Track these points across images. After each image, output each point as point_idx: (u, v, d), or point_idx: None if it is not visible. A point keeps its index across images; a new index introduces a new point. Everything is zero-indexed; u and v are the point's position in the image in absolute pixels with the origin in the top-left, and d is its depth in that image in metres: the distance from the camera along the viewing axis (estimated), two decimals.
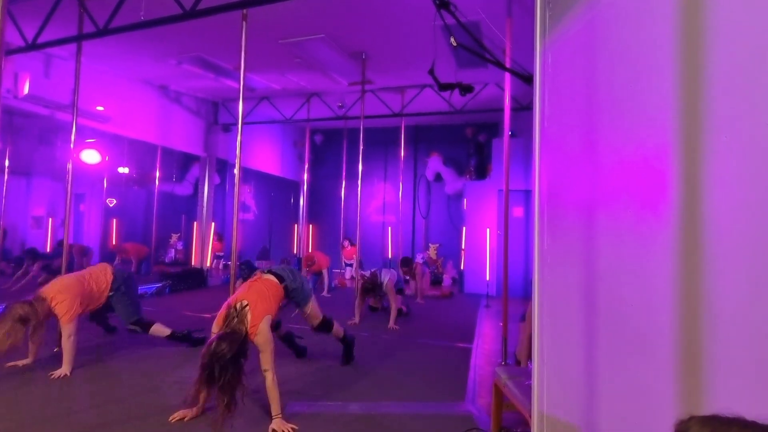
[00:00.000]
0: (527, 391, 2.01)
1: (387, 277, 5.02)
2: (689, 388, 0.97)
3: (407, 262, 6.84)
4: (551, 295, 1.64)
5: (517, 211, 7.54)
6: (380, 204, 10.88)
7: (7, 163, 6.84)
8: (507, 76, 3.81)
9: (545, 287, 1.68)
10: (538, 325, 1.70)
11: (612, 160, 1.33)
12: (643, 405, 1.12)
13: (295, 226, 11.30)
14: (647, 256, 1.13)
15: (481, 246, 7.62)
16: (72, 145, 4.06)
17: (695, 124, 1.01)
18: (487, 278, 7.25)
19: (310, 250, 8.10)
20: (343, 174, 9.62)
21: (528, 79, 2.08)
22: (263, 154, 10.01)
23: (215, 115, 8.61)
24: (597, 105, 1.43)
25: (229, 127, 8.59)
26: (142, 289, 6.87)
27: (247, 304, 2.48)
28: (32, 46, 3.97)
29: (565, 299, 1.55)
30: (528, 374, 2.23)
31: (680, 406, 0.98)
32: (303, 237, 11.04)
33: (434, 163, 9.86)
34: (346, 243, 9.24)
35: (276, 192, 11.22)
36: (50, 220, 9.04)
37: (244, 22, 3.22)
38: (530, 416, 1.84)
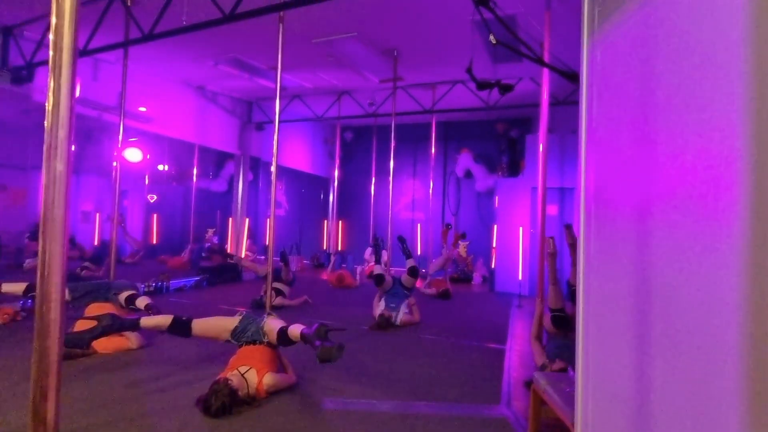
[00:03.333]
0: (568, 398, 1.95)
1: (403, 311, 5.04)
2: (759, 416, 0.91)
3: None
4: (598, 305, 1.58)
5: (552, 209, 7.32)
6: (409, 201, 10.86)
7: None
8: (545, 71, 3.70)
9: (591, 295, 1.62)
10: (583, 334, 1.65)
11: (670, 163, 1.26)
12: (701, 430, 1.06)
13: (325, 221, 11.45)
14: (712, 266, 1.06)
15: (513, 244, 7.46)
16: (120, 145, 4.27)
17: (767, 127, 0.94)
18: (520, 277, 7.09)
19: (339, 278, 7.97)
20: (373, 170, 9.63)
21: (572, 77, 2.01)
22: (295, 151, 10.18)
23: (249, 114, 8.82)
24: (652, 105, 1.36)
25: (262, 126, 8.78)
26: (181, 282, 7.18)
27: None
28: (83, 53, 4.20)
29: (614, 310, 1.49)
30: (569, 381, 2.17)
31: None
32: (332, 233, 11.18)
33: (464, 160, 9.72)
34: (371, 260, 8.52)
35: (307, 188, 11.40)
36: (97, 214, 9.55)
37: (280, 24, 3.27)
38: (573, 425, 1.79)
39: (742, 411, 0.94)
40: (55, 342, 0.74)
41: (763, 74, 0.96)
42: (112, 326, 2.82)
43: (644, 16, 1.36)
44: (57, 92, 0.85)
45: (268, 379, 2.76)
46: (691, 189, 1.17)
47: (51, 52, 0.89)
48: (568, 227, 3.34)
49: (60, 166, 0.82)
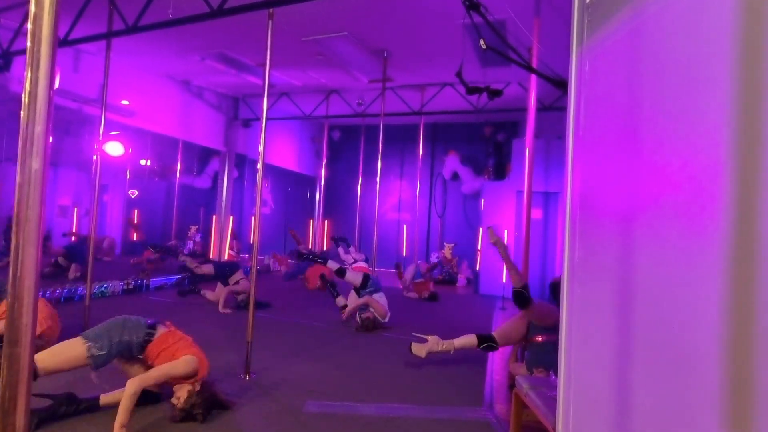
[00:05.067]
0: (550, 402, 1.97)
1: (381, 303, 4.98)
2: (736, 417, 0.93)
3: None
4: (581, 310, 1.60)
5: (536, 213, 7.42)
6: (396, 201, 10.87)
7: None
8: (533, 76, 3.74)
9: (574, 300, 1.64)
10: (566, 338, 1.66)
11: (655, 172, 1.29)
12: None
13: (311, 221, 11.38)
14: (694, 274, 1.09)
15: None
16: (100, 138, 4.15)
17: (753, 138, 0.96)
18: (504, 280, 7.16)
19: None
20: (360, 170, 9.61)
21: (560, 85, 2.03)
22: (281, 149, 10.09)
23: (235, 110, 8.70)
24: (638, 115, 1.38)
25: (248, 123, 8.67)
26: (162, 280, 7.01)
27: None
28: (64, 42, 4.06)
29: (597, 315, 1.51)
30: (550, 385, 2.19)
31: None
32: (318, 232, 11.11)
33: (451, 162, 9.78)
34: (354, 257, 7.92)
35: (293, 187, 11.31)
36: (75, 209, 9.27)
37: (270, 21, 3.22)
38: (554, 429, 1.81)
39: (721, 419, 0.96)
40: (27, 349, 0.71)
41: (747, 88, 0.98)
42: None
43: (633, 27, 1.39)
44: (34, 86, 0.81)
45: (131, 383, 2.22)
46: (675, 198, 1.20)
47: (29, 43, 0.85)
48: (490, 228, 3.61)
49: (36, 164, 0.79)
